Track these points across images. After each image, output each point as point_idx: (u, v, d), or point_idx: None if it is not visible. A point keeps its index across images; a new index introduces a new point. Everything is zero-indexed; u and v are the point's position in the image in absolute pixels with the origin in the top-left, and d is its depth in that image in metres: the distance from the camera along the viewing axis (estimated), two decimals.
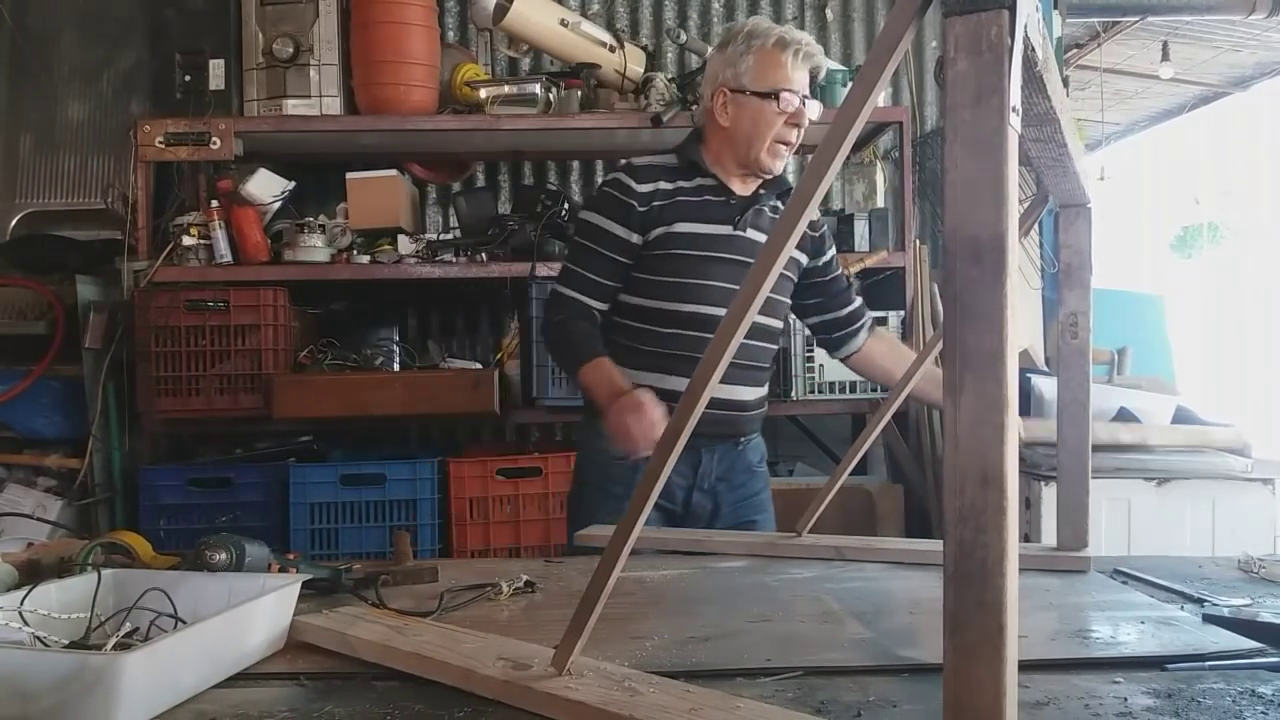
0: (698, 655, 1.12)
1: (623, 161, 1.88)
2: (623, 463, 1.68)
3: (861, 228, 3.15)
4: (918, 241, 3.25)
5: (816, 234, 1.98)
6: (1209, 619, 1.22)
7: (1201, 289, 7.90)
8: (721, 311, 1.75)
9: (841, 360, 2.08)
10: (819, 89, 3.12)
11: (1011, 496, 0.64)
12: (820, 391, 3.08)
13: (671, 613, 1.31)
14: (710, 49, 2.29)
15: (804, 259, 1.96)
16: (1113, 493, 2.49)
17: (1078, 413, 1.48)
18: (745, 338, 1.71)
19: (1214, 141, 7.49)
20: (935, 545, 1.64)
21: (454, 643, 1.10)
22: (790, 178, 2.02)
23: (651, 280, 1.82)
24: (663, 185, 1.83)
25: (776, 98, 1.78)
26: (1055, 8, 3.62)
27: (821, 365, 3.05)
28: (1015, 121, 0.65)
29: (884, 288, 3.25)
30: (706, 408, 1.71)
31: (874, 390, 3.10)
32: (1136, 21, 4.54)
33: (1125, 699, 0.97)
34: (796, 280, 1.96)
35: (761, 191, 1.89)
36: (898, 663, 1.09)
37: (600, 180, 3.56)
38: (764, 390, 1.99)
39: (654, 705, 0.91)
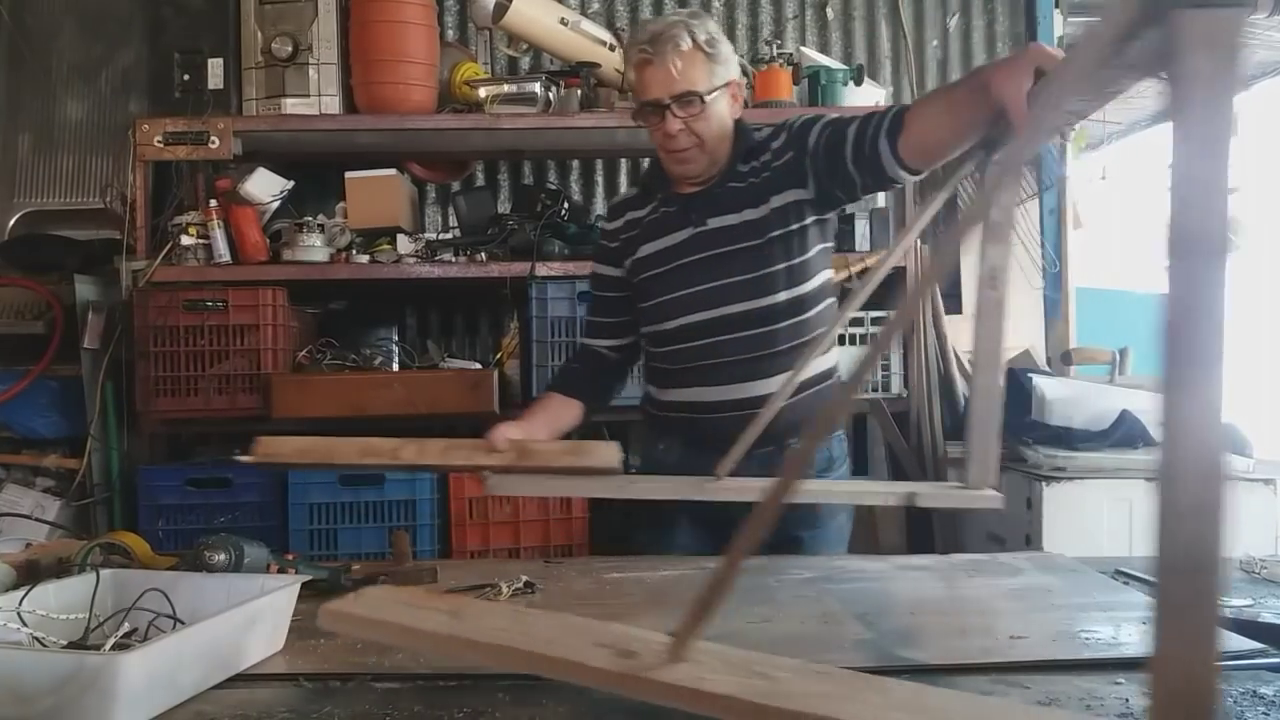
0: None
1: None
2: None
3: (862, 228, 3.14)
4: (918, 241, 3.24)
5: (794, 151, 1.71)
6: None
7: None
8: (705, 316, 1.75)
9: (897, 168, 1.61)
10: (821, 90, 3.13)
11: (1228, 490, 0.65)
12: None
13: (672, 613, 1.30)
14: None
15: (804, 193, 1.71)
16: (1114, 493, 2.49)
17: (992, 360, 1.50)
18: (729, 331, 1.74)
19: None
20: (879, 487, 1.63)
21: (527, 625, 0.97)
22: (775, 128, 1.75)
23: (642, 308, 1.84)
24: (631, 216, 1.86)
25: (640, 115, 1.74)
26: (1056, 8, 3.62)
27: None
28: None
29: (885, 288, 3.24)
30: (714, 411, 1.74)
31: (874, 390, 3.10)
32: None
33: (1127, 699, 0.97)
34: (817, 212, 1.74)
35: (723, 171, 1.76)
36: (898, 663, 1.09)
37: (600, 185, 3.58)
38: (811, 369, 1.69)
39: (807, 694, 0.82)
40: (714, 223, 1.75)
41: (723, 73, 1.73)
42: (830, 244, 1.83)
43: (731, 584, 0.88)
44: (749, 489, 1.50)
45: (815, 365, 1.71)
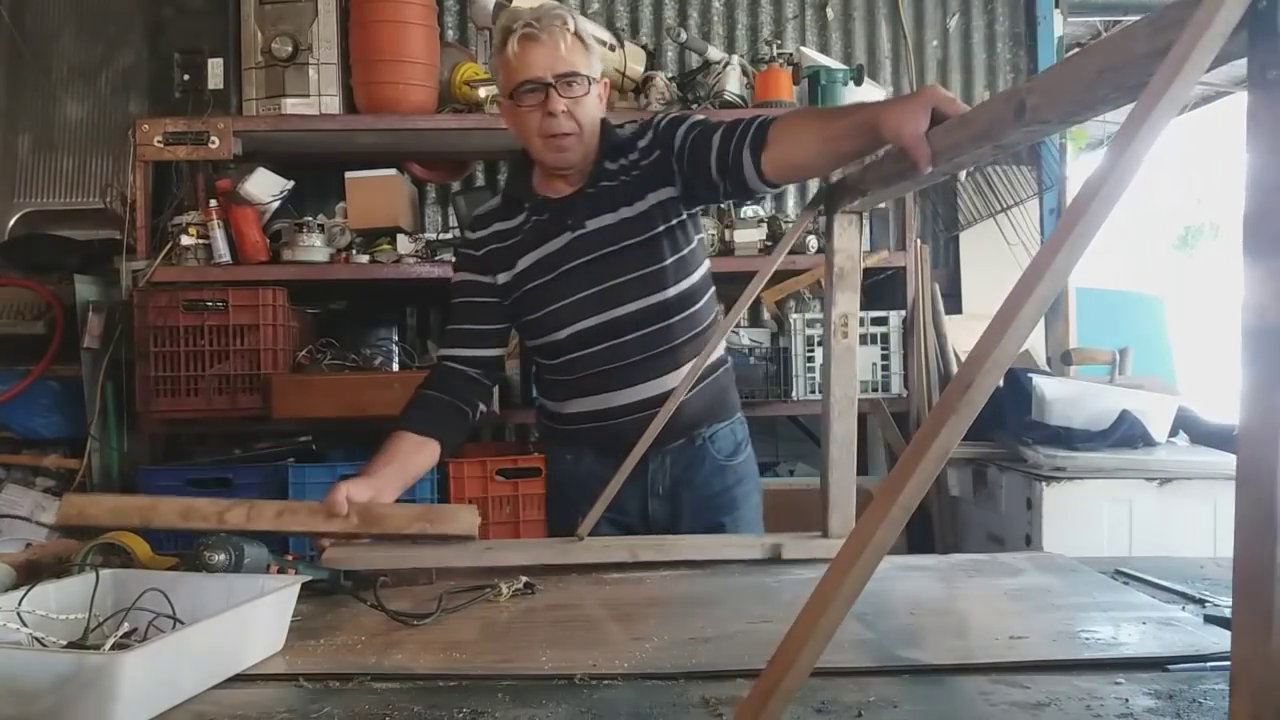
0: (698, 656, 1.11)
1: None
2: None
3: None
4: (918, 241, 3.25)
5: (660, 149, 1.67)
6: (1210, 620, 1.22)
7: (1203, 288, 7.90)
8: (594, 321, 1.70)
9: (759, 181, 1.58)
10: (821, 90, 3.13)
11: None
12: (820, 391, 3.07)
13: (672, 614, 1.31)
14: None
15: (671, 190, 1.68)
16: (1114, 493, 2.49)
17: (847, 407, 1.57)
18: (626, 332, 1.69)
19: (1215, 141, 7.48)
20: (745, 540, 1.65)
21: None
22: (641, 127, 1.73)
23: (524, 323, 1.77)
24: (498, 227, 1.77)
25: (514, 97, 1.63)
26: (1056, 8, 3.62)
27: (822, 365, 3.05)
28: None
29: (885, 288, 3.25)
30: (622, 415, 1.72)
31: (874, 390, 3.10)
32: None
33: (1127, 700, 0.97)
34: (684, 209, 1.72)
35: (594, 170, 1.71)
36: (899, 663, 1.09)
37: None
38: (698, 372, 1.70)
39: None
40: (592, 224, 1.70)
41: (598, 66, 1.68)
42: (703, 235, 1.82)
43: None
44: (612, 549, 1.55)
45: (707, 357, 1.69)
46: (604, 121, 1.72)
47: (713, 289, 1.82)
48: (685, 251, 1.72)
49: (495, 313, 1.77)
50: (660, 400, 1.62)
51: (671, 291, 1.71)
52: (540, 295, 1.72)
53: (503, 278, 1.75)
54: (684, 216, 1.72)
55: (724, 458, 1.81)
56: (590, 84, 1.64)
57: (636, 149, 1.71)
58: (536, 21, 1.60)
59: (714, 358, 1.77)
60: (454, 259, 1.93)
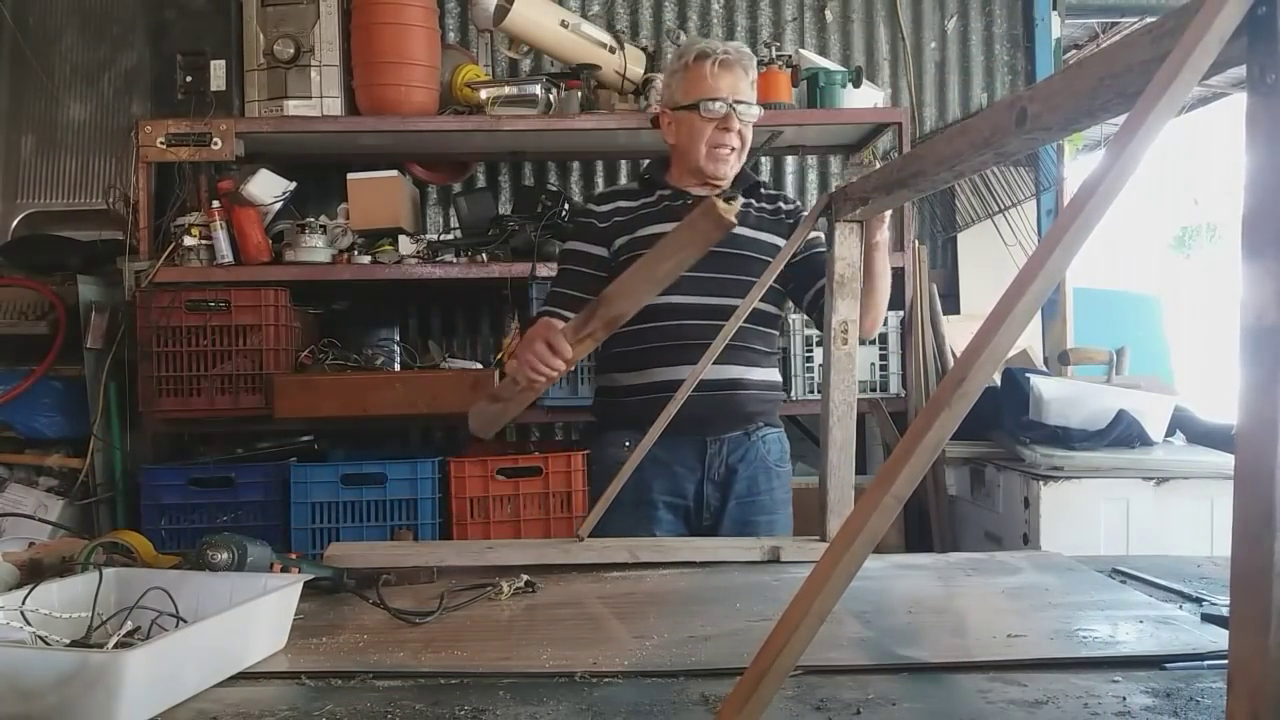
0: (698, 654, 1.12)
1: None
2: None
3: None
4: (916, 242, 3.25)
5: (793, 221, 1.99)
6: (1207, 618, 1.23)
7: (1200, 288, 7.90)
8: (693, 300, 1.88)
9: None
10: (820, 92, 3.14)
11: None
12: (819, 391, 3.07)
13: (672, 612, 1.31)
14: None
15: (778, 241, 1.95)
16: (1111, 492, 2.50)
17: (846, 413, 1.60)
18: (695, 317, 1.86)
19: (1213, 141, 7.49)
20: (745, 543, 1.67)
21: None
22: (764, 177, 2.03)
23: None
24: (623, 204, 1.99)
25: (699, 108, 1.89)
26: (1053, 9, 3.62)
27: (821, 365, 3.05)
28: None
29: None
30: (698, 389, 1.78)
31: (873, 390, 3.11)
32: (1135, 23, 4.54)
33: (1124, 698, 0.97)
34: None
35: (728, 191, 1.93)
36: (897, 661, 1.10)
37: (600, 186, 3.59)
38: (767, 374, 1.99)
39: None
40: None
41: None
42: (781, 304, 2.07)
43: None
44: (612, 549, 1.59)
45: (773, 374, 2.00)
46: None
47: (779, 324, 2.11)
48: (775, 285, 1.89)
49: (596, 284, 1.89)
50: (721, 385, 1.85)
51: (769, 308, 1.96)
52: None
53: (620, 241, 1.95)
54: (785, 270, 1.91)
55: (773, 461, 1.99)
56: (758, 115, 1.95)
57: (772, 201, 2.02)
58: (733, 52, 1.92)
59: (773, 379, 2.02)
60: (568, 226, 2.23)
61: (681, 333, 1.89)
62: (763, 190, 2.04)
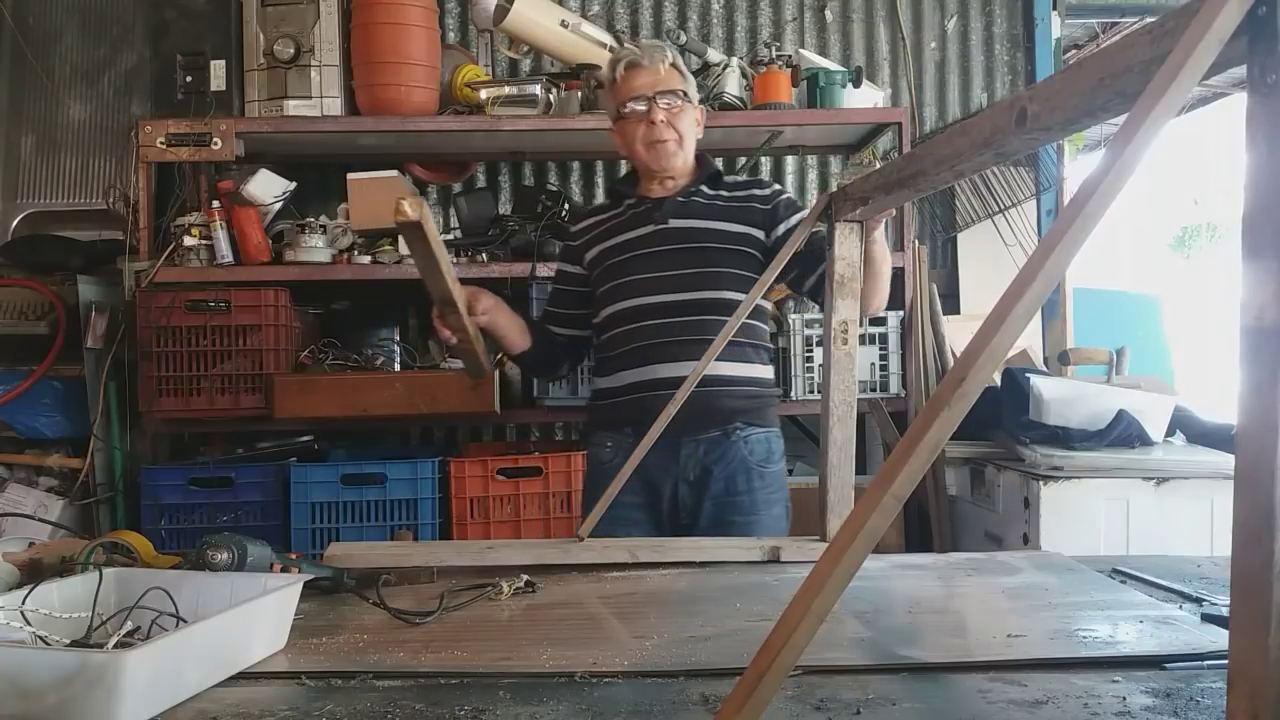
0: (698, 654, 1.12)
1: None
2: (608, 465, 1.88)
3: None
4: (916, 242, 3.25)
5: (768, 206, 1.98)
6: (1207, 618, 1.23)
7: (1200, 288, 7.90)
8: (650, 300, 1.93)
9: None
10: (819, 92, 3.13)
11: None
12: (819, 391, 3.08)
13: (672, 612, 1.31)
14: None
15: (759, 233, 1.96)
16: (1111, 492, 2.50)
17: (846, 413, 1.60)
18: (695, 313, 1.90)
19: (1213, 141, 7.48)
20: (745, 543, 1.67)
21: None
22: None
23: (597, 294, 2.02)
24: (594, 220, 2.07)
25: (624, 114, 1.95)
26: (1053, 9, 3.62)
27: (821, 365, 3.06)
28: None
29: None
30: (662, 389, 1.80)
31: (873, 390, 3.11)
32: (1135, 23, 4.54)
33: (1124, 698, 0.97)
34: (761, 255, 1.96)
35: (687, 185, 2.00)
36: (897, 661, 1.10)
37: (600, 186, 3.59)
38: (750, 369, 1.95)
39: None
40: (678, 223, 1.96)
41: (694, 94, 1.99)
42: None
43: None
44: (612, 550, 1.59)
45: (759, 370, 1.98)
46: (704, 155, 2.04)
47: (767, 318, 2.10)
48: (745, 274, 1.92)
49: (582, 300, 2.06)
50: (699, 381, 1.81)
51: (722, 295, 1.92)
52: (614, 270, 1.99)
53: (591, 254, 2.03)
54: (759, 257, 1.95)
55: (756, 461, 1.95)
56: (686, 101, 1.94)
57: (744, 189, 2.02)
58: (641, 53, 1.95)
59: (765, 376, 2.01)
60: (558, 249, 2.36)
61: (645, 333, 1.93)
62: (726, 179, 2.05)
